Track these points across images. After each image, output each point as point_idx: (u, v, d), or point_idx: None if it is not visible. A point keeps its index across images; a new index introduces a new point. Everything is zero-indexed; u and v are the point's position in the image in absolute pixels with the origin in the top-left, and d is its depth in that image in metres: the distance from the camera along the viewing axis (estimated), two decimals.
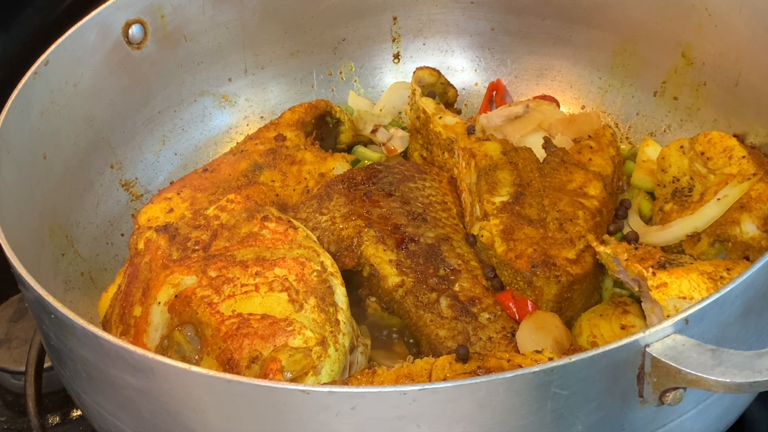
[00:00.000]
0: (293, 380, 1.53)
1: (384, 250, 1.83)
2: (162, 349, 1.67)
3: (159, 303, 1.69)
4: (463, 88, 2.40)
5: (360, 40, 2.40)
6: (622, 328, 1.77)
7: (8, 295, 2.21)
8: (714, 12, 2.04)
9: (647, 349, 1.30)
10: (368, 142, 2.31)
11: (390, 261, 1.82)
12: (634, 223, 1.97)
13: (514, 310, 1.78)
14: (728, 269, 1.68)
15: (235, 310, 1.62)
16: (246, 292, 1.65)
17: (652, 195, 2.04)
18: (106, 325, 1.80)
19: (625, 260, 1.73)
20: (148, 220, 1.96)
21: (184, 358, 1.65)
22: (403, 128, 2.29)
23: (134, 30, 2.13)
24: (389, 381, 1.52)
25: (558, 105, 2.27)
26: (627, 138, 2.25)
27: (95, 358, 1.44)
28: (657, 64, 2.19)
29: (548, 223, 1.83)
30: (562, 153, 1.98)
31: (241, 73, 2.34)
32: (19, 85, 1.88)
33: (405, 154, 2.25)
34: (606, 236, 1.86)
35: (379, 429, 1.29)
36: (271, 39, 2.33)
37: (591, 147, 1.99)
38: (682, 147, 1.98)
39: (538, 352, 1.56)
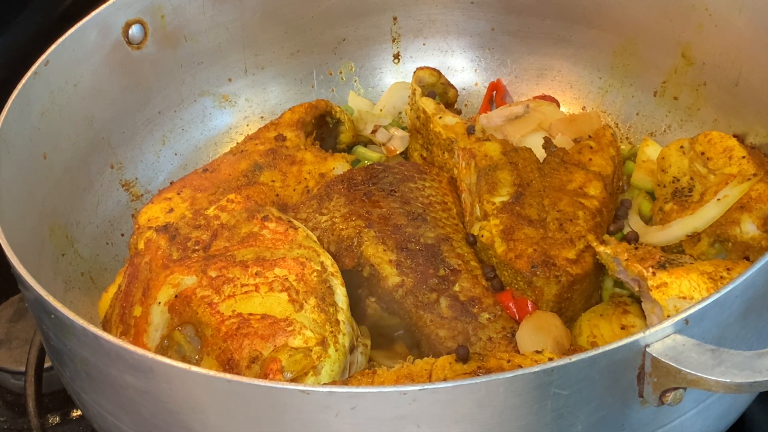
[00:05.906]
0: (293, 380, 1.53)
1: (384, 250, 1.83)
2: (162, 349, 1.67)
3: (159, 303, 1.69)
4: (463, 88, 2.39)
5: (360, 40, 2.40)
6: (622, 328, 1.77)
7: (8, 295, 2.20)
8: (714, 12, 2.04)
9: (647, 349, 1.30)
10: (368, 142, 2.31)
11: (390, 261, 1.82)
12: (634, 223, 1.97)
13: (514, 310, 1.78)
14: (728, 269, 1.68)
15: (235, 310, 1.62)
16: (246, 292, 1.65)
17: (652, 195, 2.04)
18: (106, 325, 1.80)
19: (625, 260, 1.73)
20: (148, 220, 1.96)
21: (184, 358, 1.65)
22: (403, 128, 2.29)
23: (134, 30, 2.13)
24: (389, 381, 1.52)
25: (558, 105, 2.27)
26: (627, 138, 2.25)
27: (95, 358, 1.44)
28: (657, 64, 2.19)
29: (548, 223, 1.83)
30: (562, 153, 1.97)
31: (241, 73, 2.34)
32: (19, 85, 1.88)
33: (405, 154, 2.25)
34: (606, 236, 1.86)
35: (379, 429, 1.29)
36: (271, 39, 2.33)
37: (591, 147, 1.99)
38: (682, 147, 1.98)
39: (538, 352, 1.56)
